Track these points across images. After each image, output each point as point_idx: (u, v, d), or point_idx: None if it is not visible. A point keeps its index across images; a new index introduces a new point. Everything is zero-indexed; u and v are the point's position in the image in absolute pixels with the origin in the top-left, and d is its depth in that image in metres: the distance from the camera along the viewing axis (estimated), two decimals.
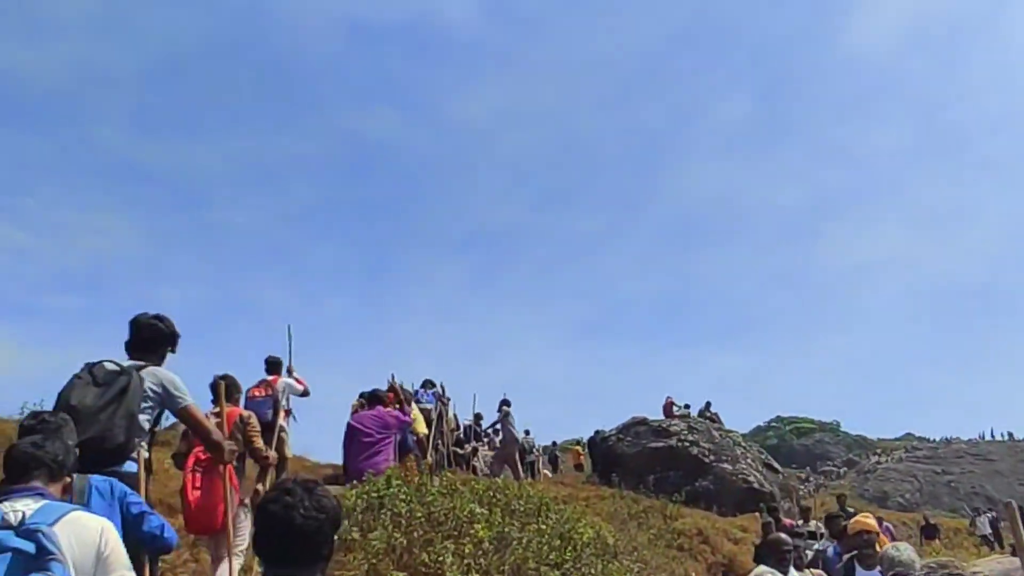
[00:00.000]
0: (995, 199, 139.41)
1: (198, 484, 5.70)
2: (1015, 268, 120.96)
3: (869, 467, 54.20)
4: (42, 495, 2.65)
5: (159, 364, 4.29)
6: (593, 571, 7.13)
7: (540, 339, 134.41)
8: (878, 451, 59.75)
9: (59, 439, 2.98)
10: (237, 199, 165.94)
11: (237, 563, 5.53)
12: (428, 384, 14.64)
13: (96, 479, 3.35)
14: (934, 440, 61.92)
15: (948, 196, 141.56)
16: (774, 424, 68.72)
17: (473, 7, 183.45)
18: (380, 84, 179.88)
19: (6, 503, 2.57)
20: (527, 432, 19.63)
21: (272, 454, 6.94)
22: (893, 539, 8.58)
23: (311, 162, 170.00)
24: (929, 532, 23.39)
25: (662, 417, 22.20)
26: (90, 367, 4.04)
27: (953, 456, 53.09)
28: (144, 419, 4.06)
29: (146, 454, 4.10)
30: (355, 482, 7.56)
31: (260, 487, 6.35)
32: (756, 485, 19.58)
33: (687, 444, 20.18)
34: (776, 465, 23.36)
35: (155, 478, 5.31)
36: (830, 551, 8.04)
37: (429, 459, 11.86)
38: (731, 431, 22.85)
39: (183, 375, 4.33)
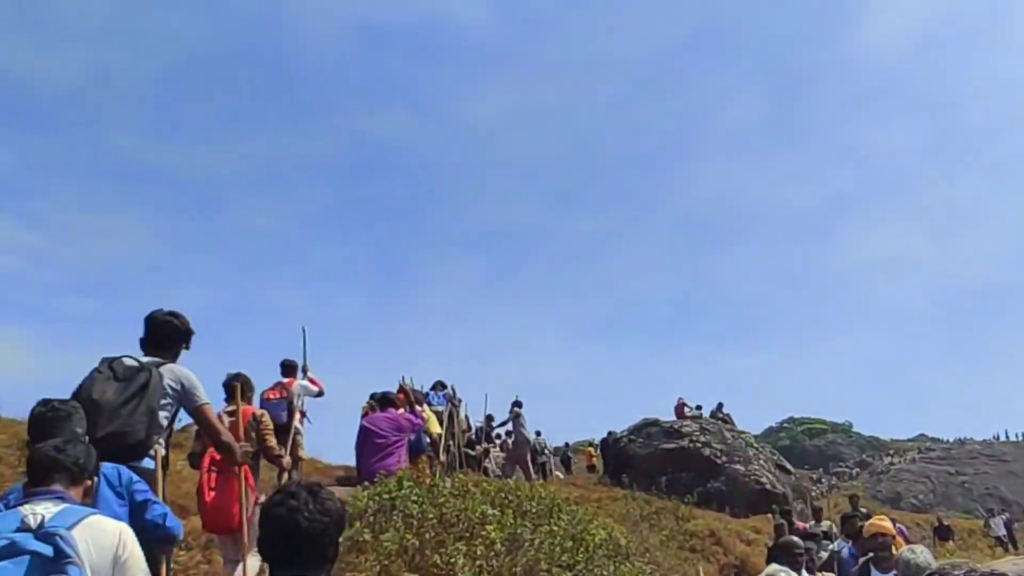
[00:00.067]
0: (1007, 200, 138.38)
1: (214, 484, 5.73)
2: None
3: (882, 468, 53.92)
4: (62, 498, 2.66)
5: (174, 361, 4.31)
6: (605, 572, 7.11)
7: (551, 339, 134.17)
8: (891, 452, 59.42)
9: (80, 443, 2.99)
10: (249, 201, 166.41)
11: (255, 562, 5.53)
12: (439, 385, 14.63)
13: (105, 467, 3.36)
14: (947, 441, 61.54)
15: (960, 196, 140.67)
16: (786, 425, 68.36)
17: (482, 9, 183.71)
18: (390, 86, 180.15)
19: (27, 506, 2.59)
20: (538, 433, 19.63)
21: (287, 459, 6.95)
22: (907, 541, 8.51)
23: (322, 164, 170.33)
24: (943, 533, 23.25)
25: (674, 418, 22.17)
26: (109, 362, 4.05)
27: (967, 457, 52.78)
28: (163, 416, 4.08)
29: (163, 451, 4.11)
30: (367, 483, 7.57)
31: None
32: (768, 486, 19.50)
33: (699, 445, 20.13)
34: (788, 466, 23.27)
35: (169, 479, 5.33)
36: (845, 552, 7.99)
37: (442, 458, 11.89)
38: (743, 432, 22.78)
39: (196, 375, 4.37)
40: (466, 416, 16.70)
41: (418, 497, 6.79)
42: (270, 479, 7.74)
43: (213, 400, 4.58)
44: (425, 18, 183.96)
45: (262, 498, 6.13)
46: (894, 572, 4.88)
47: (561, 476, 22.32)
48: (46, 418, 3.30)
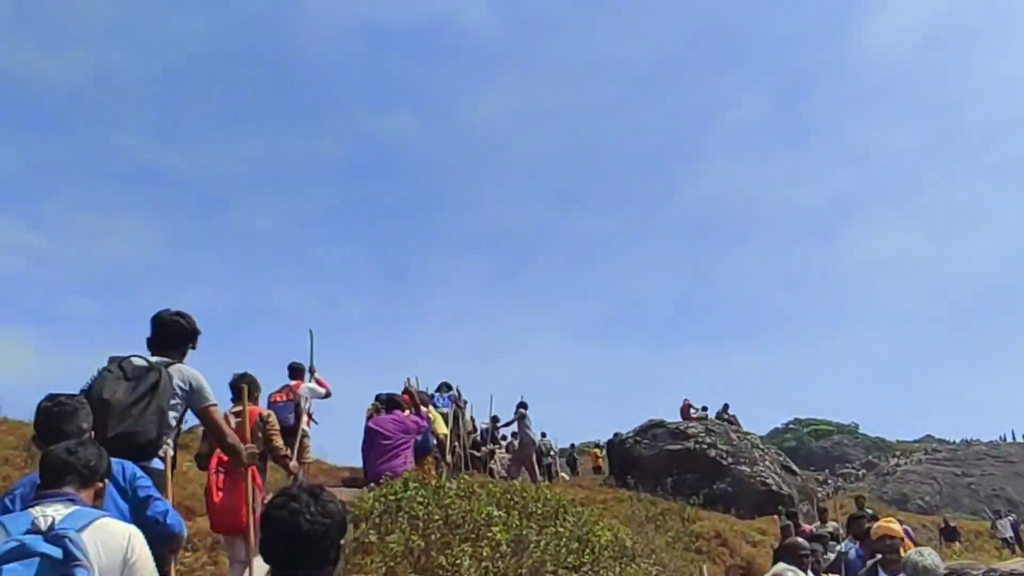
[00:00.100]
0: (1009, 200, 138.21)
1: (222, 485, 5.73)
2: None
3: (888, 469, 53.76)
4: (73, 501, 2.68)
5: (181, 361, 4.32)
6: (611, 574, 7.10)
7: (555, 339, 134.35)
8: (897, 453, 59.27)
9: (93, 445, 3.00)
10: (252, 201, 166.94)
11: (262, 563, 5.52)
12: (444, 387, 14.61)
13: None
14: (954, 442, 61.32)
15: (965, 196, 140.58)
16: (792, 426, 68.32)
17: (485, 10, 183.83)
18: (393, 86, 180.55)
19: (37, 508, 2.61)
20: (543, 434, 19.62)
21: (294, 463, 6.95)
22: (913, 542, 8.47)
23: (325, 164, 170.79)
24: (949, 534, 23.17)
25: (679, 419, 22.14)
26: (119, 361, 4.06)
27: (973, 458, 52.59)
28: (172, 416, 4.09)
29: (171, 451, 4.12)
30: (373, 485, 7.57)
31: None
32: (774, 487, 19.45)
33: (705, 446, 20.08)
34: (794, 467, 23.21)
35: (175, 480, 5.34)
36: (852, 553, 7.97)
37: (448, 459, 11.88)
38: (749, 433, 22.72)
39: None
40: (471, 417, 16.71)
41: (424, 498, 6.79)
42: (276, 480, 7.74)
43: (220, 401, 4.59)
44: (427, 19, 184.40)
45: (269, 498, 6.14)
46: (902, 575, 4.85)
47: (567, 477, 22.30)
48: (52, 413, 3.32)
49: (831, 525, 13.29)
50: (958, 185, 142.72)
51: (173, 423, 4.10)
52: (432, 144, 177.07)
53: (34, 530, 2.49)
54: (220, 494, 5.74)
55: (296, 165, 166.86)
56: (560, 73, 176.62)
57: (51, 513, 2.57)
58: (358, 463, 10.25)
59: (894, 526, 6.22)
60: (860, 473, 55.05)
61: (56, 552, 2.42)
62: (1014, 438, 60.93)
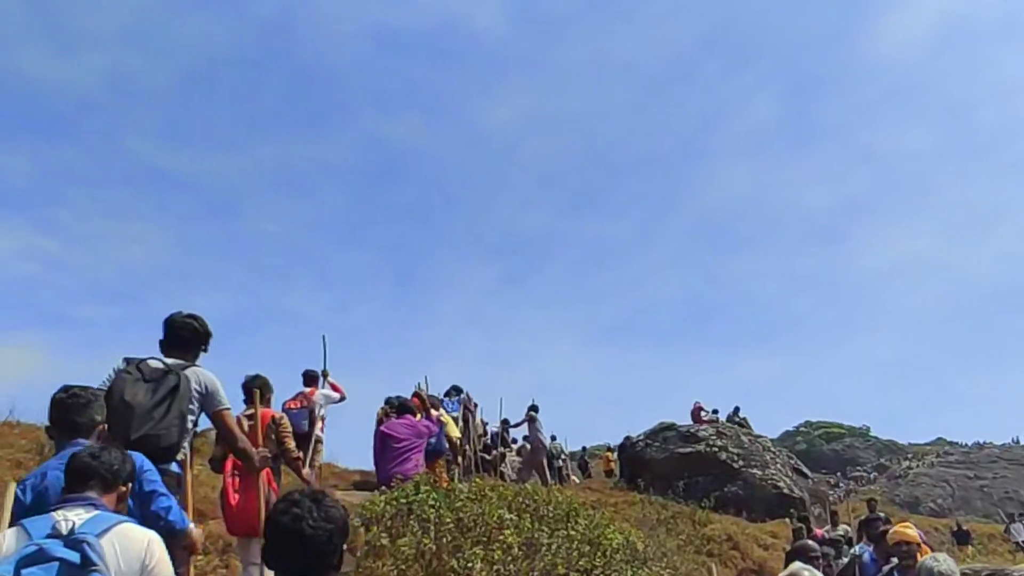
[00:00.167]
0: None
1: (238, 487, 5.75)
2: None
3: (900, 472, 53.52)
4: (94, 505, 2.72)
5: (194, 363, 4.32)
6: None
7: (567, 343, 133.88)
8: (909, 456, 58.99)
9: (116, 449, 3.04)
10: (266, 206, 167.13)
11: None
12: (454, 391, 14.60)
13: None
14: (966, 444, 60.93)
15: (979, 198, 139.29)
16: (803, 429, 67.97)
17: (499, 13, 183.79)
18: (407, 91, 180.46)
19: (60, 511, 2.65)
20: (553, 438, 19.60)
21: (306, 471, 6.96)
22: (929, 547, 8.42)
23: (339, 169, 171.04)
24: (962, 538, 23.08)
25: (690, 422, 22.09)
26: (136, 363, 4.07)
27: (986, 461, 52.29)
28: (190, 419, 4.09)
29: (186, 455, 4.13)
30: (385, 487, 7.57)
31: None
32: (786, 490, 19.38)
33: (716, 449, 20.02)
34: (805, 470, 23.14)
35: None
36: (866, 556, 7.91)
37: (460, 461, 11.88)
38: (760, 436, 22.65)
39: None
40: (482, 420, 16.70)
41: (435, 501, 6.78)
42: (292, 484, 7.74)
43: (233, 403, 4.60)
44: (438, 22, 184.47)
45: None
46: None
47: (577, 480, 22.27)
48: (66, 404, 3.36)
49: (842, 528, 13.23)
50: (970, 186, 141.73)
51: (190, 427, 4.11)
52: (443, 148, 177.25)
53: (54, 534, 2.52)
54: (236, 496, 5.77)
55: (307, 169, 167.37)
56: (571, 76, 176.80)
57: (72, 517, 2.60)
58: (368, 466, 10.27)
59: (911, 532, 6.15)
60: (872, 476, 54.81)
61: (74, 557, 2.45)
62: None
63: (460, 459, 12.56)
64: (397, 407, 9.67)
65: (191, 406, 4.09)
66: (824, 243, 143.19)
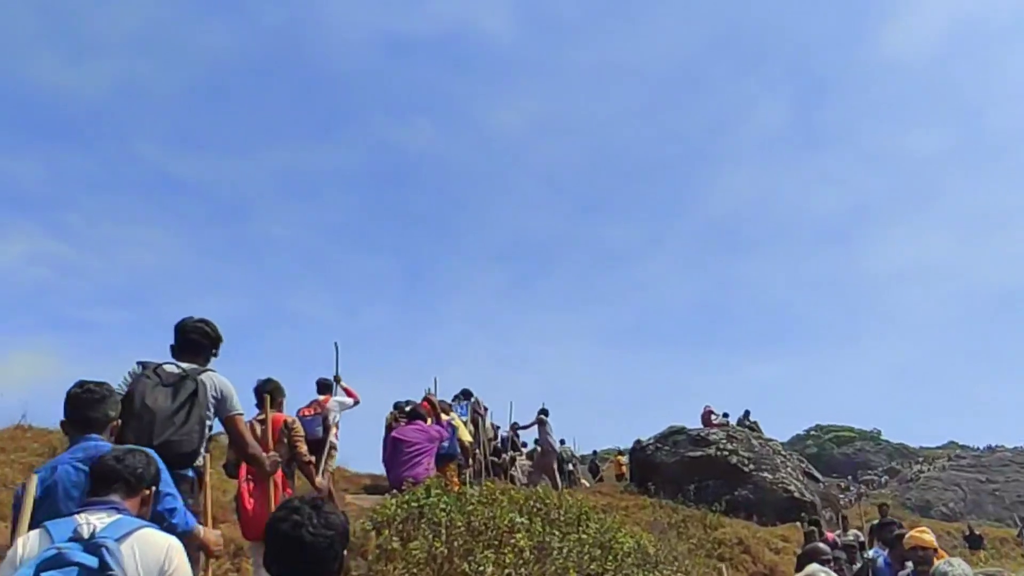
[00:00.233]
0: None
1: (253, 491, 5.77)
2: None
3: (911, 476, 53.30)
4: (117, 509, 2.72)
5: (207, 368, 4.33)
6: None
7: (576, 347, 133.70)
8: (920, 459, 58.75)
9: (142, 452, 3.04)
10: (277, 211, 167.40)
11: None
12: (463, 395, 14.59)
13: None
14: (977, 448, 60.70)
15: (989, 201, 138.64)
16: (813, 432, 67.77)
17: (507, 18, 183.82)
18: (416, 96, 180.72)
19: (82, 515, 2.65)
20: (562, 441, 19.59)
21: (319, 479, 6.97)
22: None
23: (349, 174, 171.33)
24: (974, 542, 22.96)
25: (700, 426, 22.03)
26: (153, 367, 4.08)
27: (998, 464, 52.03)
28: (208, 424, 4.11)
29: (204, 460, 4.14)
30: (395, 491, 7.58)
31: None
32: (796, 494, 19.30)
33: (726, 453, 19.96)
34: (817, 474, 23.04)
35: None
36: (881, 560, 7.86)
37: (471, 464, 11.88)
38: (770, 440, 22.57)
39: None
40: (492, 424, 16.69)
41: (446, 505, 6.78)
42: (306, 488, 7.76)
43: (245, 408, 4.61)
44: (447, 28, 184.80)
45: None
46: None
47: (588, 484, 22.24)
48: (80, 399, 3.37)
49: (852, 532, 13.19)
50: (980, 190, 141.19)
51: (207, 432, 4.13)
52: (452, 152, 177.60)
53: (75, 537, 2.52)
54: (252, 501, 5.78)
55: (316, 174, 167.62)
56: (579, 81, 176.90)
57: (94, 521, 2.60)
58: (379, 470, 10.27)
59: (928, 537, 6.10)
60: (883, 480, 54.59)
61: (92, 561, 2.46)
62: None
63: (471, 463, 12.56)
64: (408, 414, 9.69)
65: (208, 412, 4.11)
66: (834, 246, 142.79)
